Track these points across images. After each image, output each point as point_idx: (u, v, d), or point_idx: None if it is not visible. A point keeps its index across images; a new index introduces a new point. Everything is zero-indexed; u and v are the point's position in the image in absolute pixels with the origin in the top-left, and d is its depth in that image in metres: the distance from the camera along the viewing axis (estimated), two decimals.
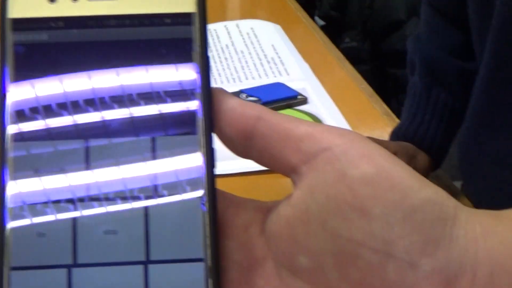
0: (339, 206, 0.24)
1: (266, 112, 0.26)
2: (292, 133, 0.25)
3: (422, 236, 0.23)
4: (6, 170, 0.25)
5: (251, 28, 1.08)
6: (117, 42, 0.27)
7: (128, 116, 0.26)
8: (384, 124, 0.83)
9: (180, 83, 0.26)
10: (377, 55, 1.54)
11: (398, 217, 0.23)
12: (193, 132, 0.26)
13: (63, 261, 0.25)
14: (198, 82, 0.26)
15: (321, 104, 0.85)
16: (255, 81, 0.91)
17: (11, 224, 0.25)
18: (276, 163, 0.26)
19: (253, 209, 0.27)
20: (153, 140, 0.26)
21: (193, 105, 0.26)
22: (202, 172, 0.26)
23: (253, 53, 1.00)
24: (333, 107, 0.84)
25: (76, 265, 0.25)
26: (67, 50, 0.26)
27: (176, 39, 0.27)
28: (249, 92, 0.85)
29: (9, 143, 0.26)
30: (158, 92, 0.26)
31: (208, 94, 0.26)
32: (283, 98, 0.85)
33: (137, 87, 0.26)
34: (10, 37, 0.26)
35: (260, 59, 0.97)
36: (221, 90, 0.26)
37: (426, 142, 0.77)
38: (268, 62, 0.96)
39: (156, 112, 0.26)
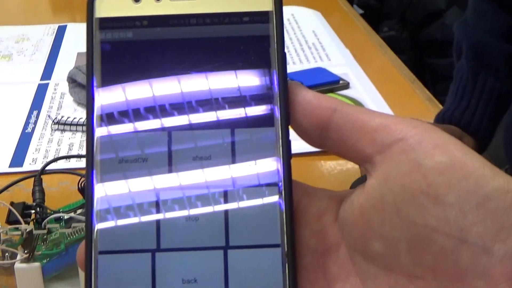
0: (413, 194, 0.24)
1: (341, 104, 0.27)
2: (367, 125, 0.26)
3: (495, 223, 0.24)
4: (93, 158, 0.27)
5: (292, 14, 1.08)
6: (198, 39, 0.28)
7: (208, 109, 0.27)
8: (426, 109, 0.82)
9: (258, 78, 0.28)
10: (415, 44, 1.52)
11: (472, 204, 0.24)
12: (270, 124, 0.27)
13: (147, 246, 0.26)
14: (275, 77, 0.27)
15: (363, 90, 0.85)
16: (296, 66, 0.91)
17: (98, 211, 0.27)
18: (351, 153, 0.27)
19: (327, 198, 0.28)
20: (232, 132, 0.27)
21: (271, 99, 0.27)
22: (279, 163, 0.27)
23: (294, 38, 0.99)
24: (375, 92, 0.84)
25: (159, 249, 0.26)
26: (150, 47, 0.28)
27: (254, 36, 0.28)
28: (291, 76, 0.85)
29: (96, 139, 0.27)
30: (237, 87, 0.28)
31: (285, 88, 0.27)
32: (325, 83, 0.85)
33: (217, 82, 0.28)
34: (97, 35, 0.28)
35: (301, 45, 0.97)
36: (297, 84, 0.27)
37: (472, 125, 0.76)
38: (309, 47, 0.96)
39: (235, 106, 0.27)
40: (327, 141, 0.27)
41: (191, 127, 0.27)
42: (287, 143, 0.27)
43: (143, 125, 0.27)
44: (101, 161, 0.27)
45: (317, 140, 0.27)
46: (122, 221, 0.27)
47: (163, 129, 0.27)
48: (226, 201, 0.27)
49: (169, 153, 0.27)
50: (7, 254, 0.52)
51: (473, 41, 0.78)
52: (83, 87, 0.77)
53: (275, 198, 0.27)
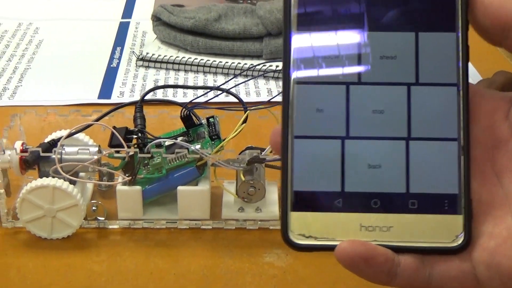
0: None
1: None
2: None
3: None
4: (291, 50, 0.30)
5: None
6: None
7: (393, 10, 0.30)
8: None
9: None
10: None
11: None
12: (451, 29, 0.29)
13: (337, 133, 0.30)
14: None
15: None
16: None
17: (295, 101, 0.30)
18: None
19: (498, 97, 0.30)
20: (417, 35, 0.30)
21: (453, 4, 0.29)
22: (458, 63, 0.29)
23: None
24: None
25: (348, 137, 0.30)
26: None
27: None
28: None
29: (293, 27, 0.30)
30: None
31: None
32: None
33: None
34: None
35: None
36: None
37: None
38: None
39: (418, 10, 0.30)
40: (508, 41, 0.29)
41: (378, 28, 0.30)
42: (466, 47, 0.29)
43: (337, 20, 0.30)
44: (296, 58, 0.30)
45: (497, 39, 0.29)
46: (316, 110, 0.30)
47: (356, 27, 0.30)
48: (409, 97, 0.29)
49: (358, 51, 0.30)
50: (105, 178, 0.53)
51: None
52: (167, 25, 0.78)
53: (453, 96, 0.29)
